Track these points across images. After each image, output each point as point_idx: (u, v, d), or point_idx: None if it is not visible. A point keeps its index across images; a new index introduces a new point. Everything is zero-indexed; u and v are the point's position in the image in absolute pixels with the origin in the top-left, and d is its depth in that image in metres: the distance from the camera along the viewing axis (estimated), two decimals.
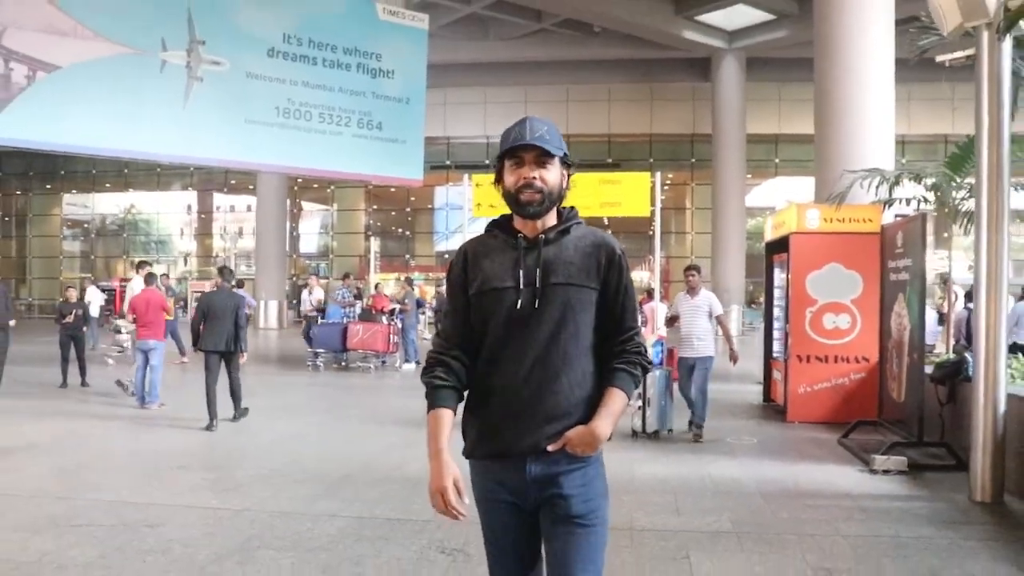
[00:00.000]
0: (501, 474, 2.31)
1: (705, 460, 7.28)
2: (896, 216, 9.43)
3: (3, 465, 6.88)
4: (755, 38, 27.10)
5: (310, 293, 17.13)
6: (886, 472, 6.75)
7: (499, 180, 2.38)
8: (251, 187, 34.79)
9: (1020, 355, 8.95)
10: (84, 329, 12.93)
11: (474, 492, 2.38)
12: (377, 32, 20.45)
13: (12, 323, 11.44)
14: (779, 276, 10.78)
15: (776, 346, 10.76)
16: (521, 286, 2.28)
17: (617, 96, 32.26)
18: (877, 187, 9.74)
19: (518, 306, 2.27)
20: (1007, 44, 5.68)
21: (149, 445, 7.89)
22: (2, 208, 40.72)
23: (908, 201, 9.91)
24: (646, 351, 2.38)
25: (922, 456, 7.06)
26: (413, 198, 35.64)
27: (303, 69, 19.56)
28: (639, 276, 27.96)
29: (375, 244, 32.12)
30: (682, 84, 31.36)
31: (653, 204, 12.91)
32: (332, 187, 36.12)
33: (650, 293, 14.48)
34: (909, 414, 7.51)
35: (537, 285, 2.28)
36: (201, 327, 9.00)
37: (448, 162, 33.11)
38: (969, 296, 10.63)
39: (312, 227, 39.17)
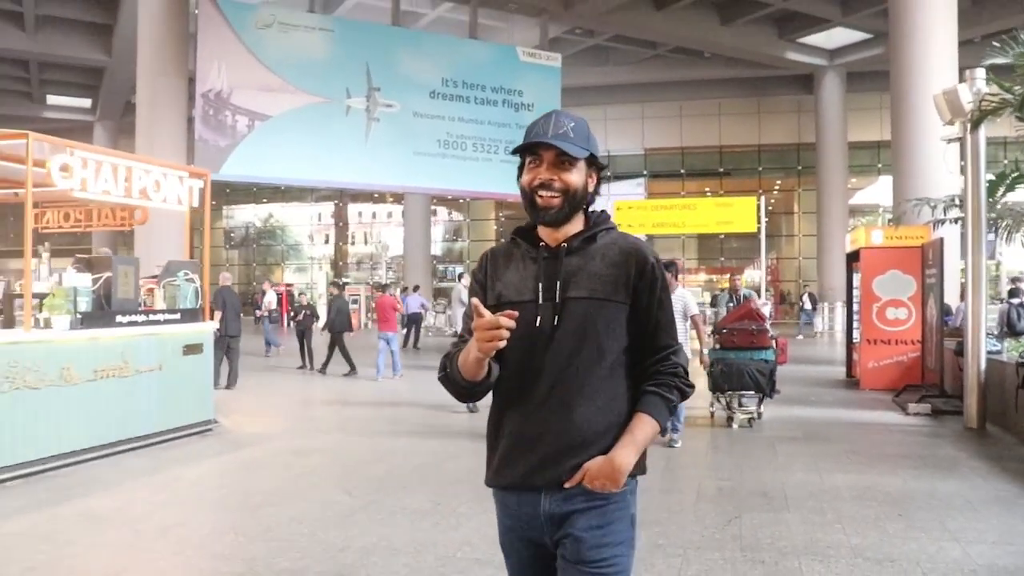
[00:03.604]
0: (517, 508, 2.11)
1: (793, 408, 10.62)
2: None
3: (346, 412, 11.01)
4: (854, 55, 29.47)
5: (264, 296, 20.54)
6: (916, 414, 9.96)
7: (521, 176, 2.14)
8: (390, 199, 39.31)
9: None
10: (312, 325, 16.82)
11: (497, 524, 2.21)
12: (518, 72, 24.74)
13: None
14: (857, 279, 13.88)
15: (855, 334, 13.85)
16: (540, 300, 2.07)
17: (727, 110, 35.19)
18: (933, 210, 12.75)
19: (536, 323, 2.05)
20: (981, 131, 8.87)
21: (412, 397, 11.85)
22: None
23: (956, 220, 12.90)
24: (686, 372, 2.13)
25: (945, 405, 10.19)
26: None
27: (459, 107, 24.09)
28: (749, 276, 30.85)
29: None
30: (787, 97, 33.97)
31: (759, 222, 16.28)
32: (467, 199, 40.35)
33: (757, 291, 17.79)
34: (938, 377, 10.68)
35: (557, 300, 2.05)
36: None
37: None
38: (1012, 292, 13.45)
39: (450, 234, 43.58)
